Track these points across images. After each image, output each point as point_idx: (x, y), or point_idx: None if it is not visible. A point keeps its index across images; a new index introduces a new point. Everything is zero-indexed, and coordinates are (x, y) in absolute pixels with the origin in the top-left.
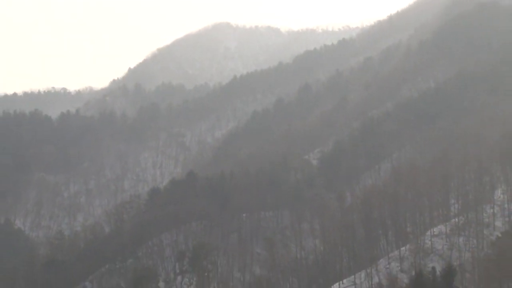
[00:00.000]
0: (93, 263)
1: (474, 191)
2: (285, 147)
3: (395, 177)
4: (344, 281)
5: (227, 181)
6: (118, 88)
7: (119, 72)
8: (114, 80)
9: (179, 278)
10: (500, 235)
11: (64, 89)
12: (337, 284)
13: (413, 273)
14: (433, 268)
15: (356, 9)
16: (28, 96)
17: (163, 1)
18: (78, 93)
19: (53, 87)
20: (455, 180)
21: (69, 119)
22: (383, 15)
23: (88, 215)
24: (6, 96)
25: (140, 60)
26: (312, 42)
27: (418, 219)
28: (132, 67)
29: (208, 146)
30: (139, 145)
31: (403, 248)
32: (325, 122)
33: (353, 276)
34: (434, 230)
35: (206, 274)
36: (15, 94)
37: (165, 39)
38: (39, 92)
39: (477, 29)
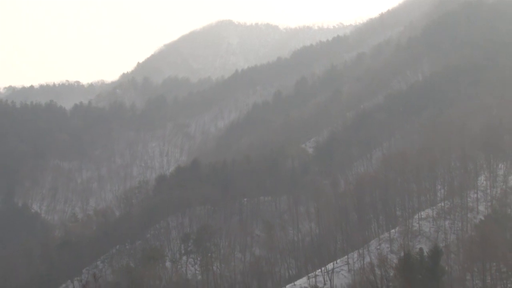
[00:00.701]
0: (104, 244)
1: (459, 178)
2: (283, 136)
3: (385, 165)
4: (338, 261)
5: (229, 168)
6: (128, 81)
7: (128, 66)
8: (124, 74)
9: (184, 258)
10: (483, 218)
11: (78, 82)
12: (331, 264)
13: (402, 253)
14: (421, 249)
15: (350, 7)
16: (44, 89)
17: (169, 0)
18: (91, 85)
19: (67, 80)
20: (441, 167)
21: (82, 110)
22: (374, 13)
23: (100, 199)
24: (23, 88)
25: (148, 55)
26: (308, 38)
27: (407, 204)
28: (140, 61)
29: (211, 135)
30: (147, 134)
31: (392, 231)
32: (320, 113)
33: (346, 257)
34: (422, 213)
35: (209, 254)
36: (32, 87)
37: (172, 36)
38: (54, 84)
39: (462, 26)
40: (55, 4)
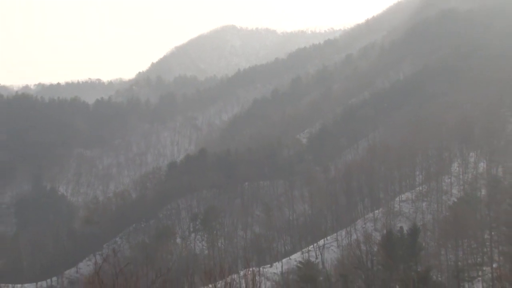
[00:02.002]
0: (122, 223)
1: (435, 165)
2: (280, 128)
3: (370, 154)
4: (328, 238)
5: (232, 156)
6: (143, 79)
7: (144, 65)
8: (139, 73)
9: (192, 235)
10: (456, 200)
11: (99, 79)
12: (322, 240)
13: (385, 231)
14: (401, 227)
15: (339, 14)
16: (69, 85)
17: (181, 7)
18: (110, 83)
19: (89, 78)
20: (420, 155)
21: (103, 105)
22: (361, 19)
23: (118, 183)
24: (51, 85)
25: (161, 56)
26: (302, 41)
27: (389, 188)
28: (154, 62)
29: (216, 127)
30: (160, 126)
31: (376, 211)
32: (313, 108)
33: (335, 234)
34: (402, 196)
35: (215, 232)
36: (58, 84)
37: (182, 39)
38: (78, 82)
39: (438, 31)
40: (80, 11)
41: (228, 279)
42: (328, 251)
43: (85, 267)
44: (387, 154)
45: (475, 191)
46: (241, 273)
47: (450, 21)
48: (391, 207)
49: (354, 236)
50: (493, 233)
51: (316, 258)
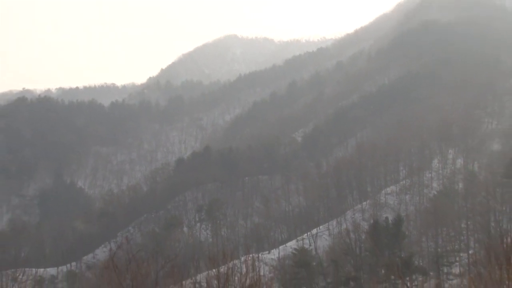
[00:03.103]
0: (134, 213)
1: (417, 161)
2: (277, 128)
3: (359, 151)
4: (321, 227)
5: (234, 153)
6: (153, 84)
7: (154, 71)
8: (150, 78)
9: (198, 224)
10: (436, 193)
11: (113, 84)
12: (315, 229)
13: (372, 221)
14: (386, 217)
15: (331, 25)
16: (87, 89)
17: (187, 19)
18: (124, 87)
19: (105, 83)
20: (403, 152)
21: (117, 107)
22: (351, 29)
23: (131, 178)
24: (71, 89)
25: (170, 62)
26: (297, 49)
27: (376, 182)
28: (163, 67)
29: (219, 127)
30: (169, 126)
31: (364, 203)
32: (307, 109)
33: (327, 224)
34: (387, 189)
35: (218, 221)
36: (77, 88)
37: (188, 47)
38: (95, 86)
39: (420, 40)
40: (100, 26)
41: (230, 264)
42: (320, 239)
43: (101, 253)
44: (374, 151)
45: (453, 184)
46: (242, 258)
47: (431, 31)
48: (377, 199)
49: (344, 226)
50: (469, 222)
51: (310, 245)
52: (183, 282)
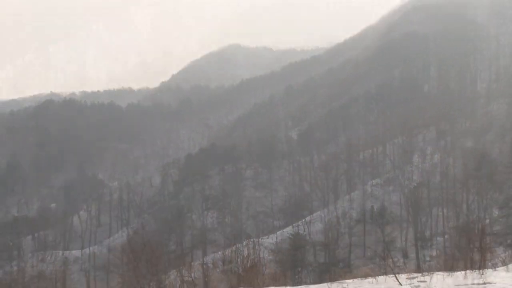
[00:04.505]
0: (149, 203)
1: (400, 156)
2: (275, 126)
3: (348, 147)
4: (314, 215)
5: (237, 149)
6: (165, 87)
7: (166, 76)
8: (162, 82)
9: (205, 213)
10: (416, 185)
11: (130, 87)
12: (309, 216)
13: (359, 209)
14: (372, 206)
15: (323, 35)
16: (107, 92)
17: (195, 29)
18: (139, 90)
19: (122, 86)
20: (388, 149)
21: (133, 108)
22: (340, 40)
23: (146, 171)
24: (92, 92)
25: (180, 68)
26: (293, 57)
27: (363, 174)
28: (174, 73)
29: (224, 126)
30: (179, 125)
31: (353, 193)
32: (302, 110)
33: (320, 212)
34: (373, 181)
35: (222, 210)
36: (98, 91)
37: (196, 55)
38: (114, 89)
39: (401, 50)
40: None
41: (234, 248)
42: (313, 225)
43: (120, 237)
44: (361, 147)
45: (431, 177)
46: (244, 243)
47: (411, 42)
48: (364, 190)
49: (334, 214)
50: (444, 210)
51: (304, 231)
52: (192, 263)
